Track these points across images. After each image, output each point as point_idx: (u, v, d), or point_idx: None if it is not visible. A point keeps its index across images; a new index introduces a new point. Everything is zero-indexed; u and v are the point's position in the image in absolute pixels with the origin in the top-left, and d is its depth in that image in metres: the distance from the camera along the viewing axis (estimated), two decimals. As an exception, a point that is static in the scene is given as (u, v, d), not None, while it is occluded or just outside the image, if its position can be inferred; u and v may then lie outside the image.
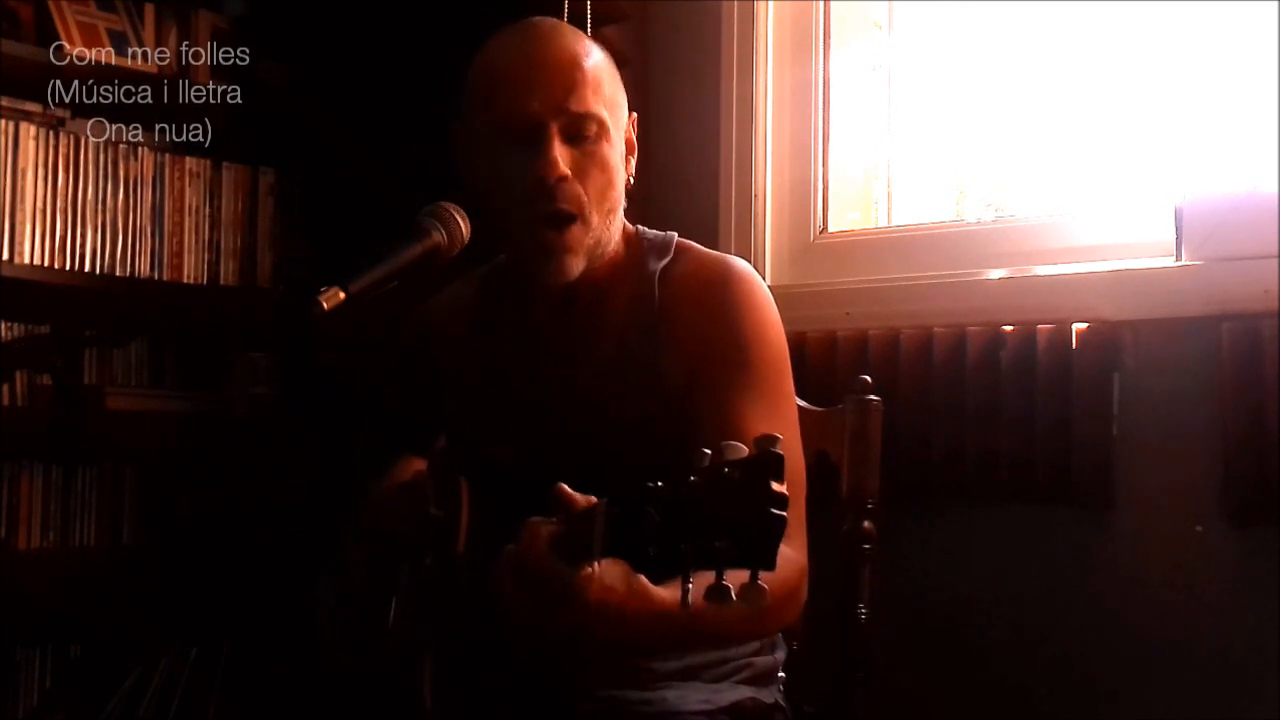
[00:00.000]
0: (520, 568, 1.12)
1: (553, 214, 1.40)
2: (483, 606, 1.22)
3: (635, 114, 1.50)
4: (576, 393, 1.47)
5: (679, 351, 1.44)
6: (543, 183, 1.38)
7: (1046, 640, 1.94)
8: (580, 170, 1.40)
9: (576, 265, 1.42)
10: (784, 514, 0.96)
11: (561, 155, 1.39)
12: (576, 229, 1.41)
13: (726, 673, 1.49)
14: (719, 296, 1.45)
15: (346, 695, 1.42)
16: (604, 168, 1.42)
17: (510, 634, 1.21)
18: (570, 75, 1.41)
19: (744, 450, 0.98)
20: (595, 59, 1.44)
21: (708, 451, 1.00)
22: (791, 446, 1.43)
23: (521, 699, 1.39)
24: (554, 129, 1.39)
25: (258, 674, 2.53)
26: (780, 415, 1.43)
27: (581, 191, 1.40)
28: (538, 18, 1.47)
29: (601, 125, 1.41)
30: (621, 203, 1.47)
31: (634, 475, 1.02)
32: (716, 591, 0.97)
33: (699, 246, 1.54)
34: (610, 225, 1.45)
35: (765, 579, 0.96)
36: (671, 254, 1.51)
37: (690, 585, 0.99)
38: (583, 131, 1.40)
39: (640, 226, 1.55)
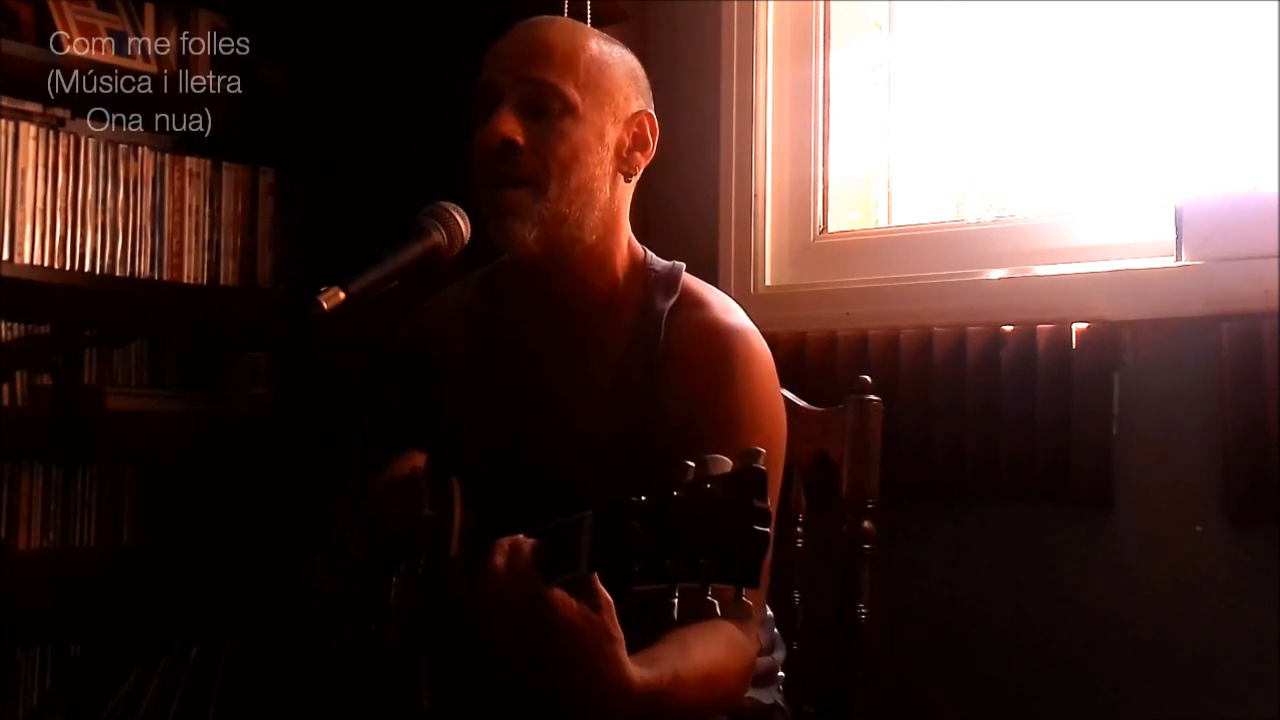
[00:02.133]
0: (503, 589, 1.12)
1: (499, 178, 1.38)
2: (475, 609, 1.22)
3: (652, 114, 1.47)
4: (574, 410, 1.45)
5: (678, 401, 1.41)
6: (488, 148, 1.37)
7: (1046, 640, 1.94)
8: (537, 140, 1.37)
9: (525, 232, 1.38)
10: (767, 530, 0.96)
11: (515, 124, 1.37)
12: (523, 193, 1.37)
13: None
14: (722, 362, 1.42)
15: (345, 696, 1.42)
16: (565, 141, 1.38)
17: (492, 653, 1.20)
18: (538, 50, 1.40)
19: (728, 465, 0.99)
20: (591, 50, 1.42)
21: (691, 465, 1.00)
22: None
23: (517, 700, 1.39)
24: (510, 98, 1.38)
25: (257, 674, 2.53)
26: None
27: (535, 160, 1.37)
28: (553, 16, 1.47)
29: (567, 102, 1.38)
30: (605, 193, 1.42)
31: (619, 489, 1.02)
32: (700, 606, 0.97)
33: (704, 291, 1.50)
34: (582, 207, 1.40)
35: (721, 655, 0.95)
36: (679, 293, 1.47)
37: (676, 600, 0.99)
38: (544, 104, 1.38)
39: (649, 252, 1.52)
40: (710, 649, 1.28)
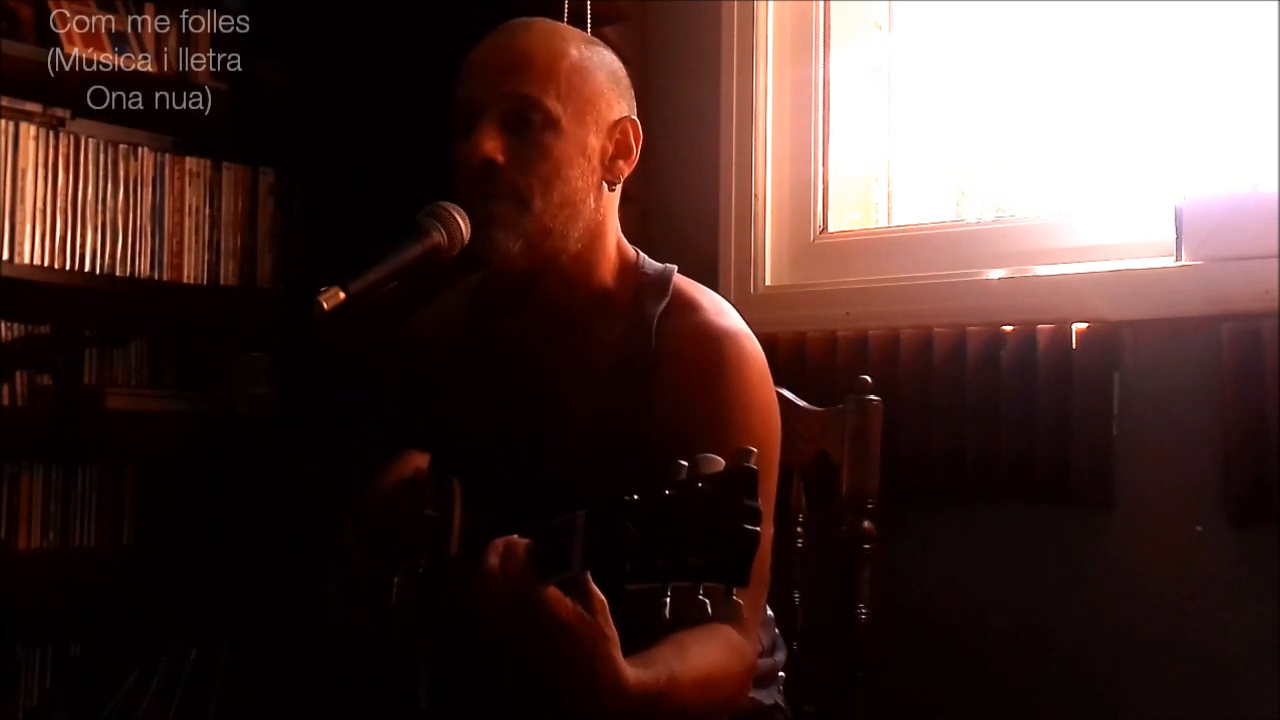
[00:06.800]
0: (497, 589, 1.12)
1: (482, 192, 1.37)
2: (471, 609, 1.22)
3: (635, 120, 1.45)
4: (569, 411, 1.45)
5: (670, 406, 1.40)
6: (469, 165, 1.37)
7: (1046, 640, 1.94)
8: (518, 157, 1.37)
9: (509, 242, 1.37)
10: (756, 529, 0.96)
11: (497, 140, 1.36)
12: (509, 206, 1.37)
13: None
14: (714, 367, 1.41)
15: (345, 696, 1.42)
16: (546, 157, 1.37)
17: (490, 651, 1.20)
18: (517, 62, 1.38)
19: (720, 464, 0.99)
20: (571, 57, 1.40)
21: (684, 464, 1.00)
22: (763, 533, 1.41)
23: (513, 700, 1.39)
24: (490, 114, 1.37)
25: (258, 674, 2.53)
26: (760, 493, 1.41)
27: (518, 177, 1.37)
28: (531, 17, 1.45)
29: (548, 116, 1.37)
30: (590, 203, 1.41)
31: (614, 489, 1.02)
32: (692, 605, 0.97)
33: (696, 294, 1.48)
34: (566, 220, 1.40)
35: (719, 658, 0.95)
36: (669, 297, 1.46)
37: (667, 600, 0.99)
38: (525, 118, 1.37)
39: (642, 255, 1.51)
40: (708, 652, 1.28)
